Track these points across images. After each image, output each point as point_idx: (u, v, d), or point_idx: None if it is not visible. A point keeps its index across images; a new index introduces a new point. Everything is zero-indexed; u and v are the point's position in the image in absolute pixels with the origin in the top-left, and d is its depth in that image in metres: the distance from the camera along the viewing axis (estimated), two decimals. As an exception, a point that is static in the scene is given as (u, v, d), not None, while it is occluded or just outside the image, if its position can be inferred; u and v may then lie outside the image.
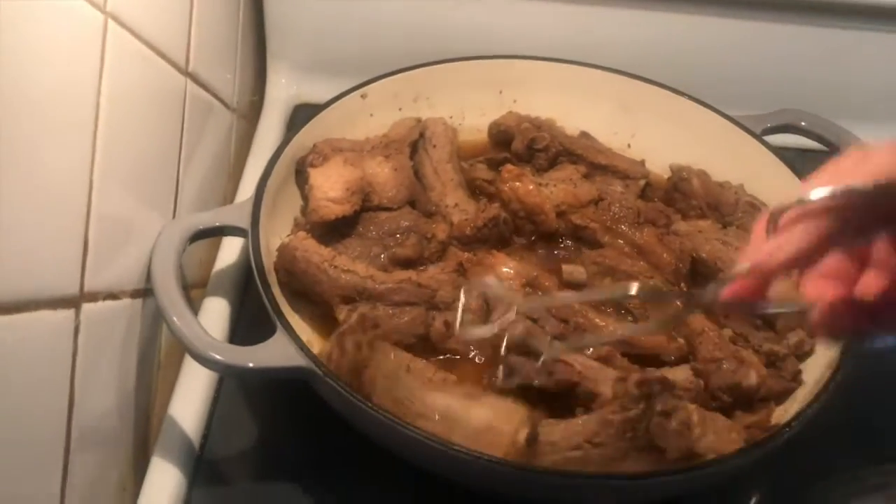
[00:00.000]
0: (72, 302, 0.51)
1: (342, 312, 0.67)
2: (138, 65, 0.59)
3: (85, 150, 0.51)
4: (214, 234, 0.69)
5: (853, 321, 0.43)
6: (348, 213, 0.71)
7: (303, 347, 0.58)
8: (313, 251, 0.68)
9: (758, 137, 0.81)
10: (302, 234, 0.69)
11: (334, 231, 0.73)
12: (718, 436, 0.59)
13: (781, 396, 0.66)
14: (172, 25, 0.66)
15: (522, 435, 0.57)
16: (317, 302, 0.68)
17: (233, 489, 0.63)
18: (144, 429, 0.66)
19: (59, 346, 0.50)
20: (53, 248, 0.48)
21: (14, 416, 0.46)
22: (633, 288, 0.53)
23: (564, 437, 0.58)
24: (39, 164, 0.46)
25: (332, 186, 0.71)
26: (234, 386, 0.68)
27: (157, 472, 0.62)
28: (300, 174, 0.76)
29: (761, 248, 0.43)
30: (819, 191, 0.41)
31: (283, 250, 0.68)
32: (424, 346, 0.67)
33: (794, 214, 0.42)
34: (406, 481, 0.61)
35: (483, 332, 0.63)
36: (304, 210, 0.74)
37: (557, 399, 0.64)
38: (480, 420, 0.58)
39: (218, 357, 0.57)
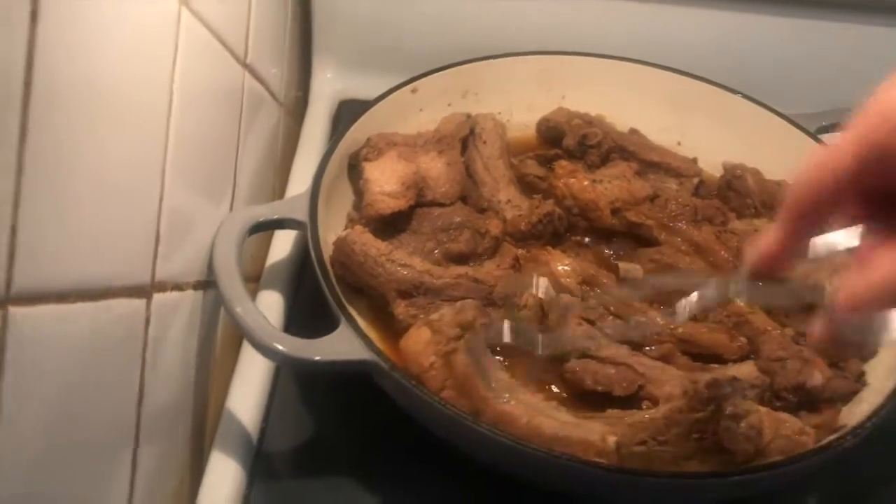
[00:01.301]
0: (144, 292, 0.50)
1: (399, 307, 0.66)
2: (206, 54, 0.59)
3: (159, 140, 0.51)
4: (273, 226, 0.69)
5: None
6: (404, 208, 0.71)
7: (367, 341, 0.58)
8: (371, 245, 0.67)
9: (812, 136, 0.81)
10: (359, 227, 0.69)
11: (388, 226, 0.72)
12: (789, 439, 0.58)
13: (846, 398, 0.65)
14: (234, 16, 0.66)
15: (611, 441, 0.56)
16: (372, 295, 0.68)
17: (292, 483, 0.63)
18: (201, 422, 0.65)
19: (132, 336, 0.50)
20: (131, 237, 0.48)
21: (89, 408, 0.45)
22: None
23: (631, 430, 0.58)
24: (120, 153, 0.46)
25: (387, 181, 0.70)
26: (290, 379, 0.68)
27: (217, 465, 0.61)
28: (354, 168, 0.75)
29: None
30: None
31: (340, 244, 0.67)
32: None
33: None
34: (468, 478, 0.60)
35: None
36: (358, 205, 0.74)
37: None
38: (559, 426, 0.57)
39: (282, 348, 0.57)
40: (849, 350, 0.51)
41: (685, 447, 0.56)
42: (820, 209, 0.43)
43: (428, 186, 0.74)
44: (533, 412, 0.57)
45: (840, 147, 0.42)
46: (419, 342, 0.59)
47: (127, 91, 0.46)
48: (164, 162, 0.52)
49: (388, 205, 0.71)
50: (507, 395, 0.57)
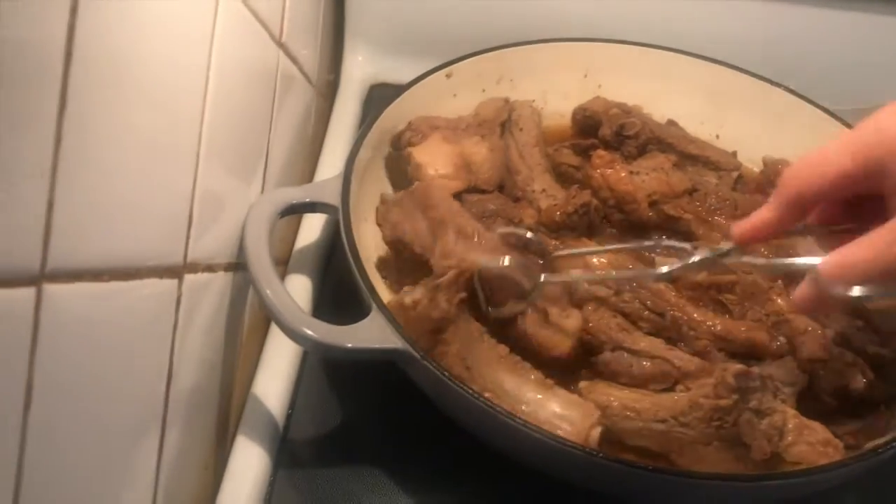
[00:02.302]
0: (176, 272, 0.49)
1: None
2: (243, 31, 0.58)
3: (195, 117, 0.50)
4: (304, 210, 0.68)
5: None
6: (461, 189, 0.70)
7: (399, 329, 0.56)
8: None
9: (857, 132, 0.78)
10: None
11: None
12: (812, 447, 0.56)
13: (888, 402, 0.63)
14: (271, -7, 0.65)
15: (596, 434, 0.55)
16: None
17: (317, 471, 0.61)
18: (227, 407, 0.64)
19: (164, 316, 0.49)
20: (164, 217, 0.47)
21: (120, 388, 0.44)
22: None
23: (653, 407, 0.57)
24: (156, 131, 0.45)
25: (440, 164, 0.69)
26: (317, 365, 0.67)
27: (241, 451, 0.60)
28: (396, 151, 0.74)
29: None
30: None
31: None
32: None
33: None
34: (495, 468, 0.59)
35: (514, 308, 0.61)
36: (400, 187, 0.72)
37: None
38: (553, 411, 0.56)
39: (313, 335, 0.55)
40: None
41: (704, 433, 0.55)
42: (810, 201, 0.51)
43: (471, 171, 0.73)
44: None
45: (837, 151, 0.49)
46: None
47: (165, 69, 0.45)
48: (199, 142, 0.50)
49: (448, 186, 0.69)
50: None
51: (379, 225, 0.72)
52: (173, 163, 0.48)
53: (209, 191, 0.53)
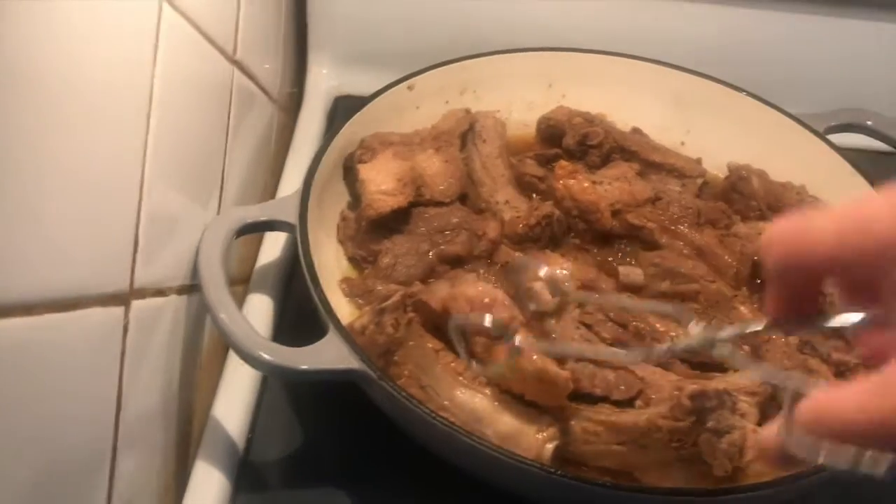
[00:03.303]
0: (122, 299, 0.48)
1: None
2: (190, 50, 0.57)
3: (138, 138, 0.49)
4: (261, 228, 0.67)
5: None
6: (403, 205, 0.69)
7: (356, 349, 0.56)
8: None
9: (821, 136, 0.78)
10: None
11: (382, 227, 0.70)
12: None
13: (852, 409, 0.63)
14: (221, 11, 0.64)
15: (549, 449, 0.54)
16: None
17: (279, 494, 0.60)
18: (186, 431, 0.63)
19: (109, 345, 0.48)
20: (106, 242, 0.46)
21: (62, 419, 0.43)
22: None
23: (611, 429, 0.56)
24: (93, 154, 0.44)
25: (383, 180, 0.69)
26: (278, 387, 0.66)
27: (201, 475, 0.59)
28: (349, 171, 0.73)
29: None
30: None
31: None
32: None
33: None
34: (457, 488, 0.58)
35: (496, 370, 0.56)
36: (354, 205, 0.72)
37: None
38: (508, 427, 0.56)
39: (268, 358, 0.55)
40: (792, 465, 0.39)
41: (665, 453, 0.55)
42: (800, 279, 0.39)
43: (425, 184, 0.72)
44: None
45: (820, 225, 0.37)
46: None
47: (102, 88, 0.44)
48: (143, 162, 0.49)
49: (387, 203, 0.69)
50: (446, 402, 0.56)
51: (340, 242, 0.72)
52: (113, 188, 0.47)
53: (158, 212, 0.52)
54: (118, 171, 0.47)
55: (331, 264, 0.69)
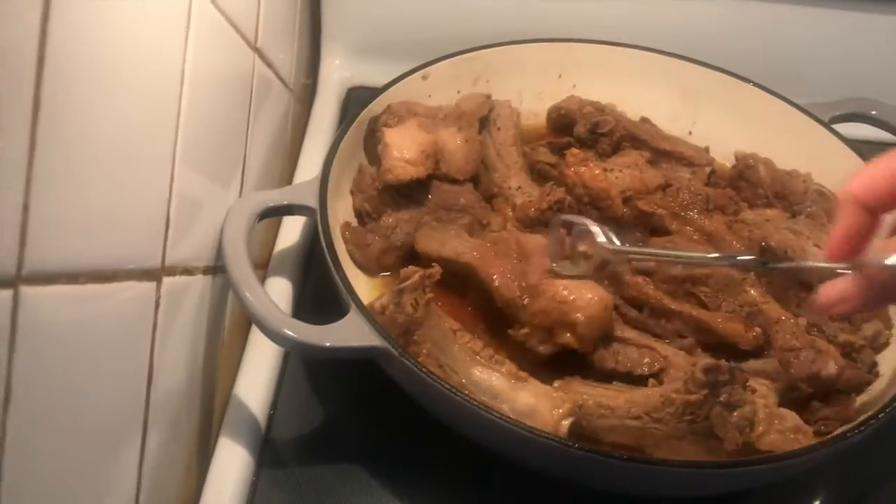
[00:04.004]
0: (154, 275, 0.50)
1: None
2: (217, 37, 0.58)
3: (170, 123, 0.50)
4: (282, 212, 0.68)
5: None
6: (422, 176, 0.70)
7: (377, 327, 0.57)
8: None
9: (826, 125, 0.80)
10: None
11: (396, 194, 0.72)
12: (783, 435, 0.57)
13: (859, 388, 0.64)
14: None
15: (565, 426, 0.56)
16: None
17: (300, 470, 0.62)
18: (209, 408, 0.65)
19: (143, 319, 0.49)
20: (141, 218, 0.48)
21: (99, 391, 0.45)
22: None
23: (626, 404, 0.58)
24: (130, 137, 0.45)
25: (407, 147, 0.70)
26: (299, 365, 0.67)
27: (224, 452, 0.61)
28: (371, 134, 0.74)
29: None
30: None
31: None
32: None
33: None
34: (477, 464, 0.60)
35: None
36: (376, 171, 0.73)
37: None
38: (524, 404, 0.57)
39: (293, 335, 0.56)
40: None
41: (677, 427, 0.56)
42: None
43: (444, 160, 0.74)
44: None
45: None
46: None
47: (139, 74, 0.46)
48: (174, 145, 0.51)
49: (407, 171, 0.70)
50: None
51: (351, 193, 0.73)
52: (149, 167, 0.48)
53: (186, 194, 0.54)
54: (153, 152, 0.49)
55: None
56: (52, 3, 0.35)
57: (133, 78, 0.45)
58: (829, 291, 0.48)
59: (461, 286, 0.68)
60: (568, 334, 0.60)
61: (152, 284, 0.50)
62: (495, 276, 0.64)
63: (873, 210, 0.46)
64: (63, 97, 0.37)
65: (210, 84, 0.58)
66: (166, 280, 0.52)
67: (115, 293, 0.44)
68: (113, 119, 0.43)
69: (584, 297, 0.60)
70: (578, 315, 0.60)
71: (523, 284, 0.63)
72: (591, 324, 0.60)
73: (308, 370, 0.67)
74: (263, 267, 0.74)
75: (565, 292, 0.61)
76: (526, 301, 0.62)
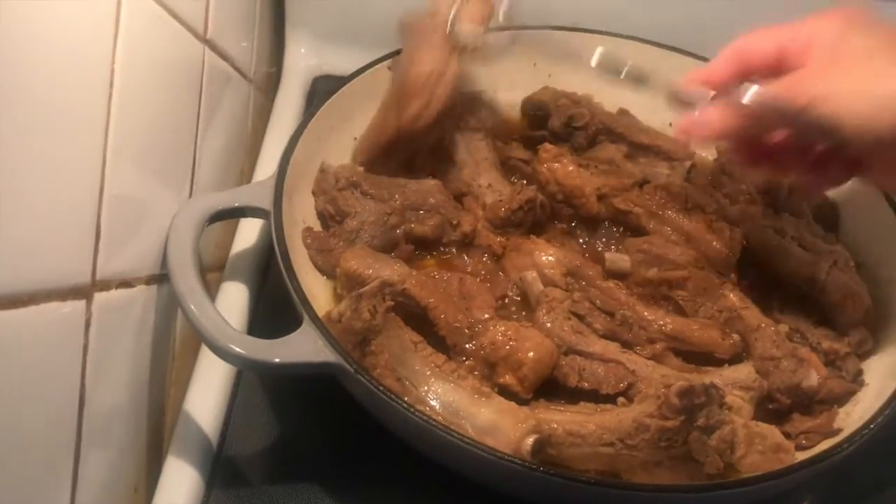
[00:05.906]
0: (83, 292, 0.46)
1: None
2: (155, 29, 0.54)
3: (98, 121, 0.46)
4: (234, 215, 0.64)
5: None
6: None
7: (332, 341, 0.54)
8: None
9: (811, 118, 0.76)
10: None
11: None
12: (764, 455, 0.54)
13: (843, 398, 0.61)
14: (190, -12, 0.61)
15: (528, 444, 0.52)
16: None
17: (253, 490, 0.59)
18: (158, 426, 0.61)
19: (70, 341, 0.45)
20: (63, 233, 0.44)
21: (21, 417, 0.41)
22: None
23: (598, 430, 0.54)
24: (48, 138, 0.41)
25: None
26: (253, 379, 0.64)
27: (172, 471, 0.57)
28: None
29: None
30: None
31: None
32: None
33: None
34: (434, 482, 0.57)
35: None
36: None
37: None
38: (486, 420, 0.54)
39: (240, 351, 0.53)
40: None
41: (654, 453, 0.53)
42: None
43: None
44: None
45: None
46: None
47: (59, 72, 0.42)
48: (104, 148, 0.47)
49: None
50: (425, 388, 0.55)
51: (314, 195, 0.69)
52: (73, 173, 0.44)
53: (121, 199, 0.50)
54: (75, 159, 0.45)
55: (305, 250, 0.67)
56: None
57: (52, 78, 0.41)
58: (691, 116, 0.55)
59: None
60: (509, 375, 0.57)
61: (80, 303, 0.46)
62: (437, 304, 0.60)
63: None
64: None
65: (149, 79, 0.54)
66: (98, 296, 0.48)
67: (31, 318, 0.41)
68: (27, 125, 0.39)
69: (534, 339, 0.58)
70: (530, 354, 0.57)
71: (469, 320, 0.60)
72: (538, 365, 0.57)
73: (264, 383, 0.64)
74: (219, 270, 0.70)
75: (514, 332, 0.58)
76: (469, 332, 0.59)
